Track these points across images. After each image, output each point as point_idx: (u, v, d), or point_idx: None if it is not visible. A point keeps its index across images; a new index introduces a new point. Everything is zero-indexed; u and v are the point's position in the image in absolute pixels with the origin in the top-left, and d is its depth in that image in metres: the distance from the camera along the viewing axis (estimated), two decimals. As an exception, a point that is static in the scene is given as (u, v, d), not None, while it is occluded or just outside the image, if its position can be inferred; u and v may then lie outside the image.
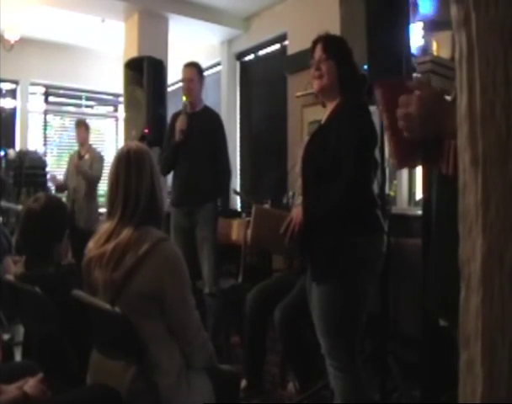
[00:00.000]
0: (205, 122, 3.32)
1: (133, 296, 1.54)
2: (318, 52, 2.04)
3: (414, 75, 2.39)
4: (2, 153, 5.48)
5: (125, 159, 1.64)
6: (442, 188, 1.17)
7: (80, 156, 4.95)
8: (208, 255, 3.28)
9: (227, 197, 3.53)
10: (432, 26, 3.18)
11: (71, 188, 4.84)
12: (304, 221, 1.93)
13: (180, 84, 3.58)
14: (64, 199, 4.61)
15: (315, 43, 2.08)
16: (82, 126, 5.01)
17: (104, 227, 1.64)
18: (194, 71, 3.41)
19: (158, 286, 1.54)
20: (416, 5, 3.20)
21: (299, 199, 2.06)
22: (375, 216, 2.01)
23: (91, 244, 1.67)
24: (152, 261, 1.55)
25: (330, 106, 2.06)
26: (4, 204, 4.74)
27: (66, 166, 5.11)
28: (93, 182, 4.81)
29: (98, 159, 4.86)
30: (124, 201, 1.60)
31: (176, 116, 3.50)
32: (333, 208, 1.90)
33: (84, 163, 4.84)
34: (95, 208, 4.81)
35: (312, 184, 2.01)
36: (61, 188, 4.96)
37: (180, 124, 3.24)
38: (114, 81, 6.08)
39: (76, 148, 5.38)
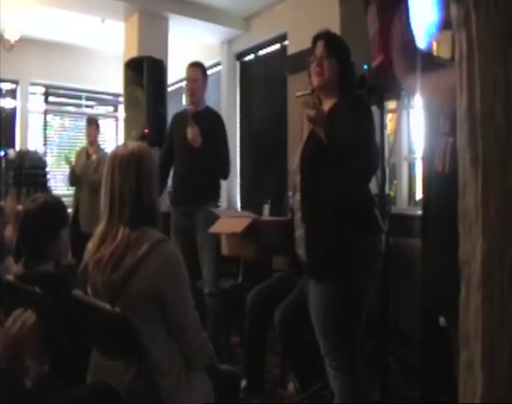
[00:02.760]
0: (207, 122, 3.31)
1: (133, 297, 1.53)
2: (320, 48, 2.04)
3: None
4: (2, 153, 5.48)
5: (111, 160, 1.66)
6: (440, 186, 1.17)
7: (88, 154, 4.94)
8: (209, 256, 3.27)
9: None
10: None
11: (78, 187, 4.84)
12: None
13: (180, 84, 3.58)
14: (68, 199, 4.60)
15: (316, 39, 2.08)
16: (93, 124, 4.98)
17: (99, 228, 1.65)
18: (198, 71, 3.39)
19: (158, 287, 1.54)
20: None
21: (297, 195, 2.06)
22: (373, 216, 2.00)
23: (89, 245, 1.67)
24: (152, 262, 1.54)
25: (328, 104, 2.05)
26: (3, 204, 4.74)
27: (67, 165, 5.05)
28: (98, 186, 4.79)
29: (104, 162, 4.81)
30: (110, 202, 1.63)
31: (177, 117, 3.49)
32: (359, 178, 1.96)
33: (91, 163, 4.82)
34: (98, 208, 4.79)
35: (311, 181, 2.00)
36: (74, 174, 4.86)
37: (191, 134, 3.16)
38: (114, 81, 6.07)
39: (77, 148, 5.37)
